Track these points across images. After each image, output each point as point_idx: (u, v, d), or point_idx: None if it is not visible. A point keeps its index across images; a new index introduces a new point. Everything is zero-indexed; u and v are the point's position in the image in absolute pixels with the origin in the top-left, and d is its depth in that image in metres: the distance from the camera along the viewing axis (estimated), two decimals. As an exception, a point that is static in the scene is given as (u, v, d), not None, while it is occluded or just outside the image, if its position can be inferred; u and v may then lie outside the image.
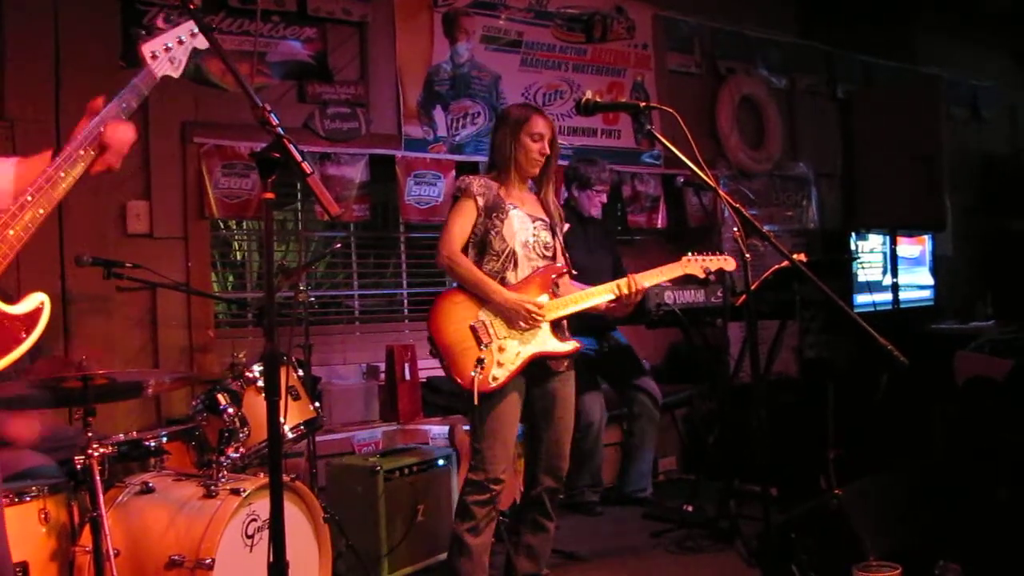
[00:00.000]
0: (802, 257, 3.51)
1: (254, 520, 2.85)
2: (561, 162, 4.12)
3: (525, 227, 3.29)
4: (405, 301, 5.50)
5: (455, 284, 3.29)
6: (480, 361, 3.08)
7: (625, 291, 3.26)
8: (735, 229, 2.67)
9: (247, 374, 3.34)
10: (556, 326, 3.27)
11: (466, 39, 5.49)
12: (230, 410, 3.21)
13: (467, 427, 3.75)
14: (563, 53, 5.95)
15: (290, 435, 3.44)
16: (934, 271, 7.70)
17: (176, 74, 2.24)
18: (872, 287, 6.68)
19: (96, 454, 2.72)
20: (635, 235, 6.25)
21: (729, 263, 3.47)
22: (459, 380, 3.11)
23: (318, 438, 3.94)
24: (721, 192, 2.75)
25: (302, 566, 2.98)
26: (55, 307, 2.06)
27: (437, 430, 4.48)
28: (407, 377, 4.70)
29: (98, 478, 2.70)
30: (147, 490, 2.90)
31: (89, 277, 3.78)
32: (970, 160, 8.30)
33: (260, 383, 3.32)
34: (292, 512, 2.97)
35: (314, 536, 3.09)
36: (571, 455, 3.48)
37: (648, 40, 6.36)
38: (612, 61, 6.17)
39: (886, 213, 6.95)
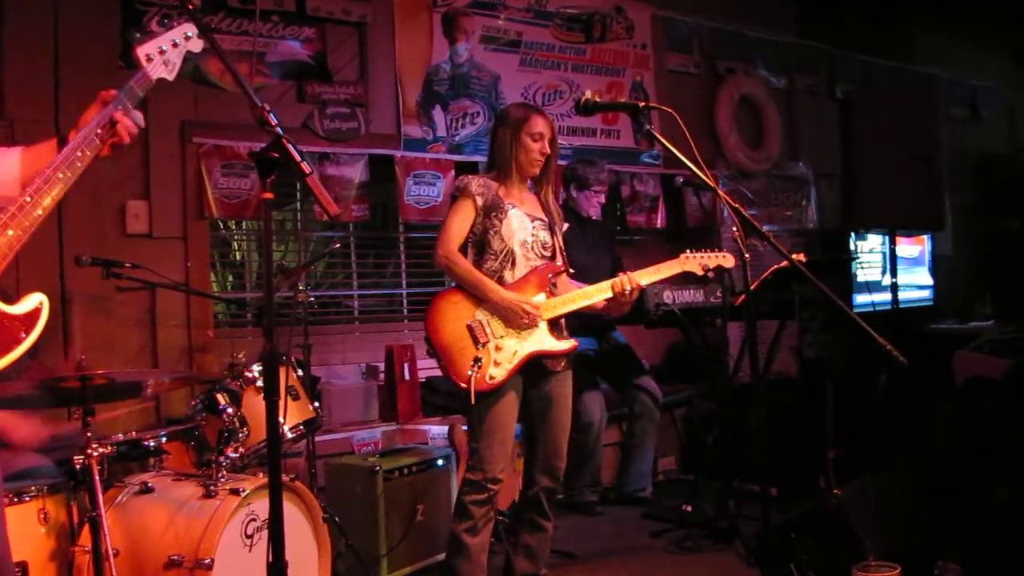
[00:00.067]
0: (801, 257, 3.51)
1: (253, 520, 2.85)
2: (560, 162, 4.12)
3: (524, 227, 3.30)
4: (404, 301, 5.50)
5: (453, 284, 3.29)
6: (477, 360, 3.08)
7: (621, 288, 3.25)
8: (734, 229, 2.67)
9: (246, 374, 3.34)
10: (553, 325, 3.27)
11: (465, 39, 5.49)
12: (229, 410, 3.21)
13: (466, 427, 3.75)
14: (562, 53, 5.95)
15: (289, 435, 3.44)
16: (933, 271, 7.70)
17: (171, 77, 2.25)
18: (871, 287, 6.68)
19: (95, 454, 2.72)
20: (634, 235, 6.25)
21: (728, 260, 3.46)
22: (456, 380, 3.11)
23: (317, 438, 3.95)
24: (720, 192, 2.75)
25: (301, 566, 2.98)
26: (54, 307, 2.07)
27: (436, 430, 4.48)
28: (406, 377, 4.70)
29: (97, 478, 2.70)
30: (146, 490, 2.90)
31: (88, 277, 3.78)
32: (969, 160, 8.30)
33: (259, 383, 3.32)
34: (291, 512, 2.97)
35: (313, 536, 3.09)
36: (571, 455, 3.48)
37: (647, 40, 6.36)
38: (611, 61, 6.18)
39: (885, 213, 6.95)
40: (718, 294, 4.21)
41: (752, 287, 3.00)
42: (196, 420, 3.25)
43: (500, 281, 3.23)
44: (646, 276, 3.34)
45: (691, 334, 4.42)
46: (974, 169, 8.36)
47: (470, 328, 3.16)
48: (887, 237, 7.11)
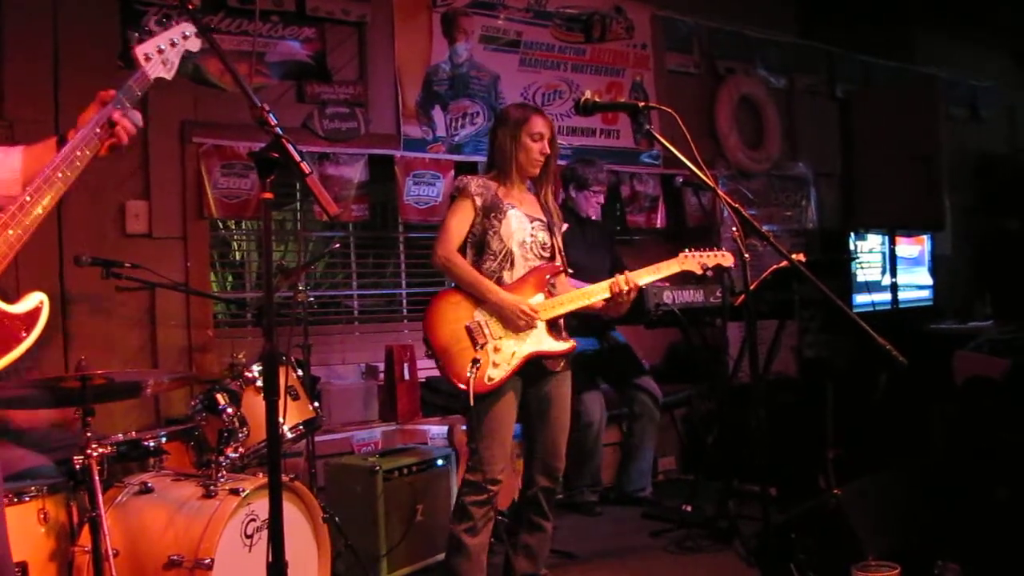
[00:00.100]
0: (801, 257, 3.51)
1: (253, 520, 2.85)
2: (560, 162, 4.12)
3: (523, 227, 3.29)
4: (404, 301, 5.50)
5: (452, 284, 3.29)
6: (476, 362, 3.07)
7: (619, 288, 3.24)
8: (734, 229, 2.67)
9: (246, 374, 3.34)
10: (552, 326, 3.27)
11: (465, 39, 5.49)
12: (229, 410, 3.21)
13: (466, 427, 3.75)
14: (562, 53, 5.95)
15: (289, 435, 3.44)
16: (933, 271, 7.70)
17: (169, 76, 2.25)
18: (871, 287, 6.68)
19: (95, 454, 2.72)
20: (634, 235, 6.25)
21: (727, 259, 3.45)
22: (455, 381, 3.10)
23: (317, 438, 3.95)
24: (720, 192, 2.75)
25: (301, 566, 2.98)
26: (54, 307, 2.07)
27: (436, 430, 4.49)
28: (406, 377, 4.70)
29: (97, 478, 2.70)
30: (146, 490, 2.90)
31: (88, 277, 3.78)
32: (969, 160, 8.30)
33: (259, 383, 3.32)
34: (291, 512, 2.97)
35: (313, 536, 3.09)
36: (571, 455, 3.47)
37: (647, 40, 6.36)
38: (611, 61, 6.18)
39: (885, 213, 6.96)
40: (718, 294, 4.20)
41: (752, 287, 3.00)
42: (196, 420, 3.25)
43: (499, 282, 3.23)
44: (645, 276, 3.33)
45: (691, 334, 4.41)
46: (974, 169, 8.37)
47: (468, 329, 3.16)
48: (887, 237, 7.11)
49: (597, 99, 2.92)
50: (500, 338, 3.17)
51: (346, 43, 5.07)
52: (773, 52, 7.13)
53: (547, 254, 3.36)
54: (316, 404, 3.60)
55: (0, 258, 1.94)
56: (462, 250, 3.27)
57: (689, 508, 4.41)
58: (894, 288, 6.95)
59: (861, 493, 3.42)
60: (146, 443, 3.12)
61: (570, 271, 3.46)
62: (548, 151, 3.33)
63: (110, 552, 2.65)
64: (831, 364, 6.32)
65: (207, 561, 2.65)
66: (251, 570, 2.79)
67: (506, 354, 3.16)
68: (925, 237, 7.61)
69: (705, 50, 6.73)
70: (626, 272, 3.30)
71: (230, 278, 5.30)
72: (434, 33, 5.38)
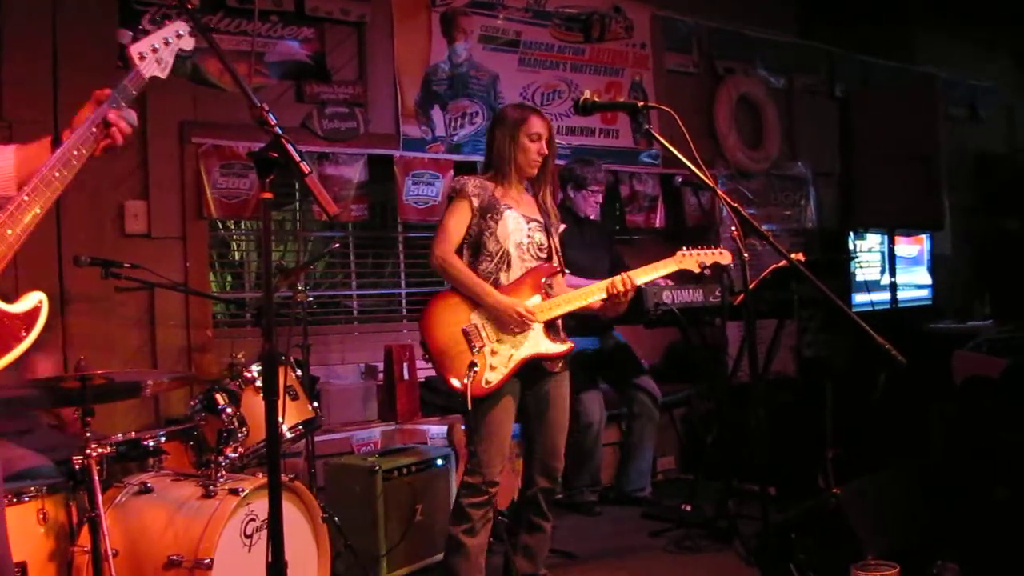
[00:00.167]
0: (800, 256, 3.51)
1: (252, 520, 2.85)
2: (559, 161, 4.12)
3: (519, 228, 3.28)
4: (403, 301, 5.50)
5: (450, 286, 3.28)
6: (473, 365, 3.06)
7: (617, 288, 3.23)
8: (733, 228, 2.67)
9: (245, 374, 3.34)
10: (550, 327, 3.26)
11: (464, 39, 5.49)
12: (228, 410, 3.21)
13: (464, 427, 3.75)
14: (561, 53, 5.95)
15: (288, 435, 3.45)
16: (932, 270, 7.71)
17: (163, 75, 2.25)
18: (870, 286, 6.69)
19: (94, 454, 2.72)
20: (633, 235, 6.25)
21: (724, 257, 3.44)
22: (453, 384, 3.10)
23: (316, 438, 3.95)
24: (719, 192, 2.75)
25: (300, 566, 2.98)
26: (53, 307, 2.07)
27: (435, 430, 4.49)
28: (405, 377, 4.70)
29: (96, 478, 2.70)
30: (145, 490, 2.90)
31: (87, 277, 3.77)
32: (968, 160, 8.31)
33: (258, 383, 3.33)
34: (290, 512, 2.97)
35: (312, 536, 3.09)
36: (571, 455, 3.47)
37: (646, 40, 6.36)
38: (610, 61, 6.18)
39: (884, 212, 6.94)
40: (717, 293, 4.20)
41: (751, 286, 3.00)
42: (195, 420, 3.25)
43: (495, 283, 3.22)
44: (642, 275, 3.32)
45: (690, 334, 4.41)
46: (973, 169, 8.37)
47: (465, 332, 3.15)
48: (886, 236, 7.12)
49: (596, 99, 2.91)
50: (497, 341, 3.16)
51: (345, 43, 5.07)
52: (772, 52, 7.13)
53: (544, 255, 3.35)
54: (315, 404, 3.60)
55: (0, 257, 1.94)
56: (459, 251, 3.26)
57: (688, 508, 4.41)
58: (893, 288, 6.95)
59: (860, 493, 3.42)
60: (145, 443, 3.11)
61: (567, 272, 3.45)
62: (546, 151, 3.32)
63: (109, 552, 2.65)
64: (830, 364, 6.32)
65: (206, 561, 2.65)
66: (250, 570, 2.79)
67: (503, 357, 3.15)
68: (924, 237, 7.62)
69: (704, 50, 6.73)
70: (624, 272, 3.30)
71: (229, 278, 5.30)
72: (433, 33, 5.38)
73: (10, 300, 1.98)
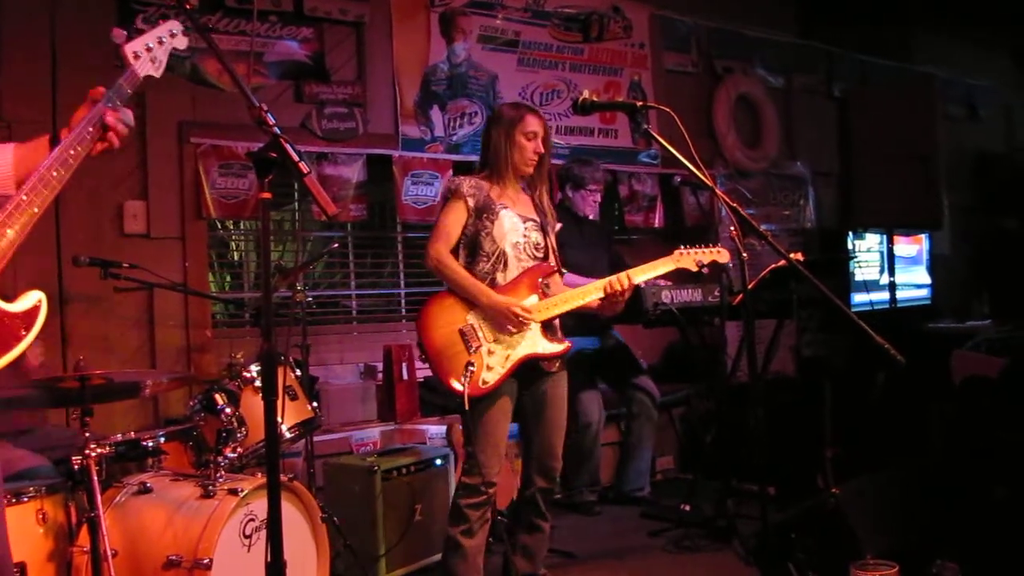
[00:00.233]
0: (799, 256, 3.51)
1: (252, 520, 2.85)
2: (558, 161, 4.12)
3: (516, 228, 3.27)
4: (402, 301, 5.50)
5: (447, 286, 3.27)
6: (470, 365, 3.05)
7: (615, 288, 3.21)
8: (732, 228, 2.67)
9: (244, 374, 3.34)
10: (547, 327, 3.25)
11: (463, 39, 5.49)
12: (228, 410, 3.21)
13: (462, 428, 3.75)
14: (560, 53, 5.95)
15: (288, 435, 3.44)
16: (931, 270, 7.71)
17: (157, 74, 2.25)
18: (869, 286, 6.69)
19: (93, 454, 2.72)
20: (632, 234, 6.25)
21: (722, 255, 3.43)
22: (450, 385, 3.09)
23: (316, 438, 3.95)
24: (718, 191, 2.75)
25: (300, 566, 2.98)
26: (52, 307, 2.07)
27: (434, 430, 4.49)
28: (404, 377, 4.70)
29: (96, 478, 2.70)
30: (145, 490, 2.90)
31: (86, 277, 3.77)
32: (967, 159, 8.31)
33: (258, 383, 3.33)
34: (290, 512, 2.97)
35: (312, 536, 3.09)
36: (570, 455, 3.47)
37: (645, 39, 6.36)
38: (609, 60, 6.18)
39: (883, 212, 6.96)
40: (716, 293, 4.20)
41: (750, 286, 3.01)
42: (194, 420, 3.25)
43: (492, 283, 3.21)
44: (640, 274, 3.31)
45: (689, 333, 4.42)
46: (972, 168, 8.37)
47: (462, 333, 3.14)
48: (885, 236, 7.12)
49: (595, 98, 2.91)
50: (494, 341, 3.16)
51: (344, 43, 5.07)
52: (772, 52, 7.13)
53: (541, 254, 3.34)
54: (314, 404, 3.60)
55: (-1, 257, 1.94)
56: (455, 251, 3.25)
57: (687, 507, 4.41)
58: (892, 287, 6.96)
59: (859, 492, 3.42)
60: (145, 443, 3.11)
61: (564, 271, 3.44)
62: (542, 150, 3.30)
63: (109, 552, 2.65)
64: (829, 363, 6.33)
65: (206, 561, 2.65)
66: (250, 570, 2.79)
67: (500, 357, 3.15)
68: (923, 236, 7.62)
69: (703, 49, 6.73)
70: (622, 271, 3.29)
71: (228, 278, 5.29)
72: (432, 33, 5.38)
73: (9, 299, 1.98)
